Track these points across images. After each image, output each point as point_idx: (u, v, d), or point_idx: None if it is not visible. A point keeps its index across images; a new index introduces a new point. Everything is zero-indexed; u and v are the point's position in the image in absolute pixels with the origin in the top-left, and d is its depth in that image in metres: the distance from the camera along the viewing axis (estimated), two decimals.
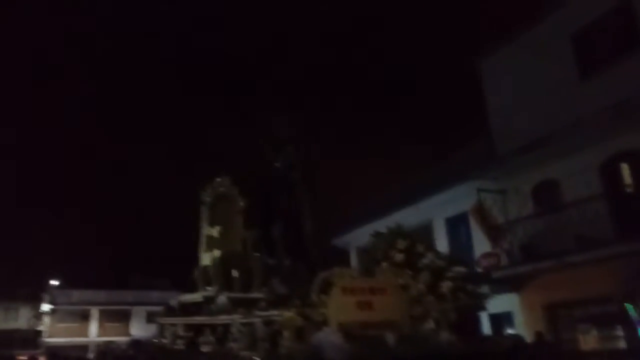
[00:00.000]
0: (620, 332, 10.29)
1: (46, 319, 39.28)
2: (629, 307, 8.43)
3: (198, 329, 6.34)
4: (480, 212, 12.66)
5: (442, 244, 14.26)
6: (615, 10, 11.45)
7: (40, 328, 39.53)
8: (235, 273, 7.51)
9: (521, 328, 11.40)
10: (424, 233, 16.53)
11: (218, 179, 8.36)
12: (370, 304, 4.54)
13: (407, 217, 15.99)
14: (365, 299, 4.54)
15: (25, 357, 36.06)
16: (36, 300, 40.93)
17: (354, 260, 20.05)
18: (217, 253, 7.38)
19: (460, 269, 5.18)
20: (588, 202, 10.53)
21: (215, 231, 7.61)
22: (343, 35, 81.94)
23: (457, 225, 14.64)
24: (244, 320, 5.34)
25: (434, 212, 15.45)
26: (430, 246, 5.49)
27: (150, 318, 40.64)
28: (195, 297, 7.32)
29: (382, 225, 17.59)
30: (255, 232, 7.90)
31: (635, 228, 9.86)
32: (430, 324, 4.63)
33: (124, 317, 40.55)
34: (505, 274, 11.75)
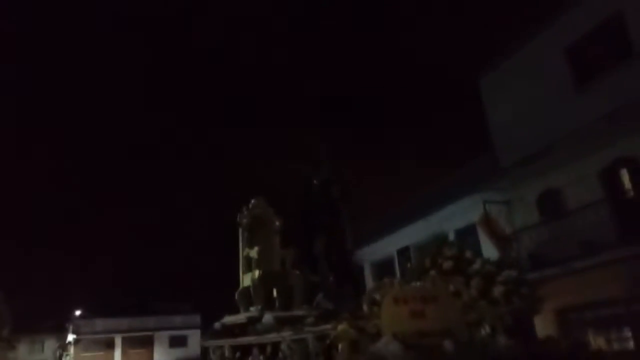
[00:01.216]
0: (628, 333, 10.60)
1: (71, 349, 40.02)
2: None
3: (245, 350, 6.40)
4: (488, 223, 13.07)
5: None
6: (606, 23, 11.92)
7: (66, 359, 40.28)
8: (275, 292, 7.59)
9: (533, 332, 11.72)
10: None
11: (253, 201, 8.39)
12: (422, 313, 4.51)
13: (418, 230, 16.48)
14: (417, 308, 4.52)
15: None
16: (61, 332, 41.81)
17: (367, 274, 20.45)
18: (257, 273, 7.44)
19: (511, 273, 5.19)
20: (590, 209, 10.94)
21: (254, 252, 7.63)
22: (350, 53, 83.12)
23: (466, 237, 15.01)
24: (295, 337, 5.31)
25: (444, 224, 15.86)
26: (478, 252, 5.54)
27: (173, 343, 41.34)
28: (239, 318, 7.37)
29: (395, 239, 18.31)
30: (293, 251, 7.97)
31: (636, 232, 10.24)
32: (485, 330, 4.63)
33: (147, 343, 41.17)
34: None
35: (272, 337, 5.87)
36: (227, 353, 6.80)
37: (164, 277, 64.87)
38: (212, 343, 7.46)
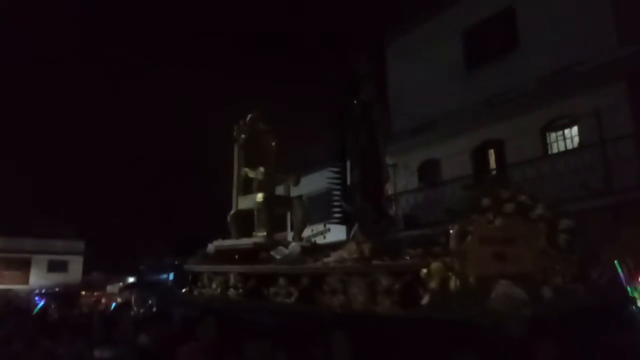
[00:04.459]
0: None
1: None
2: None
3: (263, 278, 5.53)
4: None
5: None
6: (501, 14, 13.05)
7: None
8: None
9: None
10: (326, 198, 17.99)
11: (251, 115, 7.49)
12: (503, 255, 4.19)
13: (313, 182, 17.36)
14: (499, 250, 4.19)
15: None
16: None
17: None
18: (260, 196, 6.69)
19: (569, 222, 4.71)
20: (459, 181, 12.36)
21: (258, 173, 6.91)
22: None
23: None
24: (359, 270, 4.48)
25: (331, 180, 16.77)
26: (534, 196, 5.21)
27: (51, 267, 39.99)
28: (242, 242, 6.53)
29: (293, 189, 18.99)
30: (295, 176, 7.42)
31: None
32: (557, 278, 4.32)
33: (24, 265, 39.42)
34: None
35: (317, 267, 5.00)
36: (232, 280, 5.93)
37: (47, 199, 60.89)
38: (209, 268, 6.50)
